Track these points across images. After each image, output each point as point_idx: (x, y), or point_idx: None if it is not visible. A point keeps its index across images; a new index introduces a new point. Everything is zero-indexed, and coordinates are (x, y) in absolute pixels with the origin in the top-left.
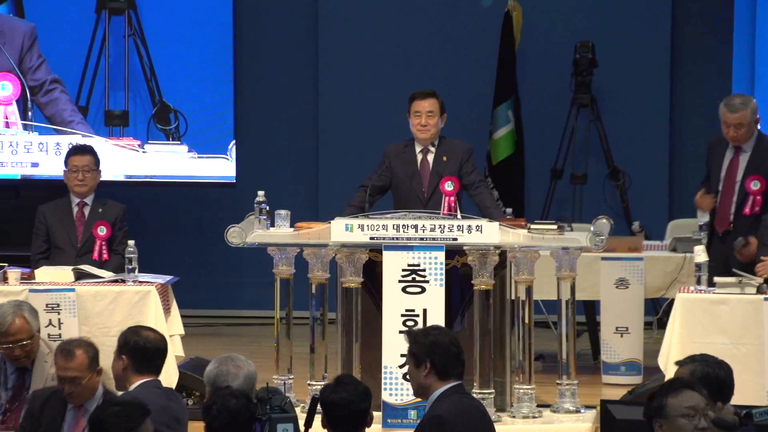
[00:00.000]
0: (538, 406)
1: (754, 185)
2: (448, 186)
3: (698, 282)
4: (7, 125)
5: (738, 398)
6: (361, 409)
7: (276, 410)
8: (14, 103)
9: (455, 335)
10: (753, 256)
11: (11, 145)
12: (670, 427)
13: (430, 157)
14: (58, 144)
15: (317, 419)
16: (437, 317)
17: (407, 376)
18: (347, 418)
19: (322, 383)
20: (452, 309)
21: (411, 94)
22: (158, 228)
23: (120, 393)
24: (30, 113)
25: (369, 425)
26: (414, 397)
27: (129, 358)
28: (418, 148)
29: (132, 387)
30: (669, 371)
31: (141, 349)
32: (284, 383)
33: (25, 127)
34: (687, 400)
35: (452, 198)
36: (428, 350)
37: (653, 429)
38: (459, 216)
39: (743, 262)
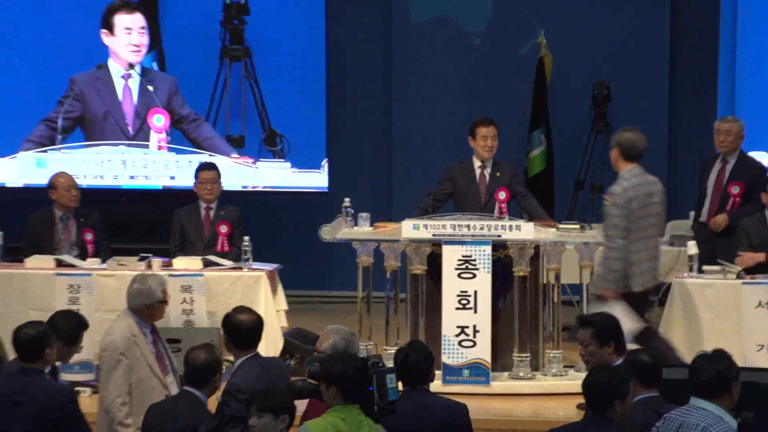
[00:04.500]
0: (565, 366)
1: (735, 189)
2: (501, 195)
3: (690, 270)
4: (159, 149)
5: None
6: (425, 368)
7: (377, 367)
8: (164, 132)
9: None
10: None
11: (155, 162)
12: None
13: (487, 173)
14: (190, 162)
15: None
16: (485, 298)
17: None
18: (419, 374)
19: (396, 349)
20: (497, 291)
21: (475, 121)
22: (268, 227)
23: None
24: (169, 138)
25: (432, 381)
26: (467, 359)
27: (226, 336)
28: (476, 164)
29: (236, 362)
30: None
31: (234, 330)
32: (366, 348)
33: (164, 147)
34: None
35: (504, 204)
36: (614, 332)
37: None
38: (507, 218)
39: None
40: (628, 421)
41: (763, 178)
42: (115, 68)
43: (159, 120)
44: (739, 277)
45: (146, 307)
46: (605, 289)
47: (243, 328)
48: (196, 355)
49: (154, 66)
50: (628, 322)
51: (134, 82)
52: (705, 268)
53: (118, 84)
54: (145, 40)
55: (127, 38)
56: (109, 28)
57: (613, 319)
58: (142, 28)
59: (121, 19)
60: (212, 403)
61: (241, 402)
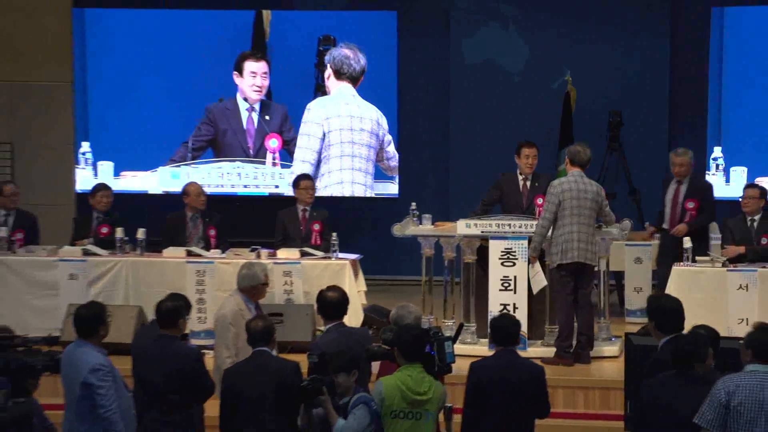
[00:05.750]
0: None
1: (690, 204)
2: (539, 201)
3: (686, 259)
4: (274, 164)
5: None
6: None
7: (437, 335)
8: (277, 153)
9: (674, 299)
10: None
11: (263, 175)
12: None
13: (528, 183)
14: (291, 172)
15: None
16: (523, 281)
17: None
18: (509, 336)
19: (452, 321)
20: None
21: (520, 143)
22: (351, 225)
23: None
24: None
25: (518, 344)
26: None
27: (318, 308)
28: (520, 177)
29: (324, 328)
30: None
31: (323, 303)
32: (428, 321)
33: (277, 164)
34: None
35: (541, 208)
36: (652, 311)
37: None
38: None
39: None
40: (653, 360)
41: (711, 195)
42: (242, 102)
43: (274, 143)
44: (724, 265)
45: (252, 287)
46: (530, 254)
47: (329, 301)
48: (256, 324)
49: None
50: (540, 279)
51: (255, 114)
52: (697, 258)
53: (244, 114)
54: (266, 83)
55: (252, 80)
56: (240, 71)
57: (654, 302)
58: (265, 73)
59: (250, 65)
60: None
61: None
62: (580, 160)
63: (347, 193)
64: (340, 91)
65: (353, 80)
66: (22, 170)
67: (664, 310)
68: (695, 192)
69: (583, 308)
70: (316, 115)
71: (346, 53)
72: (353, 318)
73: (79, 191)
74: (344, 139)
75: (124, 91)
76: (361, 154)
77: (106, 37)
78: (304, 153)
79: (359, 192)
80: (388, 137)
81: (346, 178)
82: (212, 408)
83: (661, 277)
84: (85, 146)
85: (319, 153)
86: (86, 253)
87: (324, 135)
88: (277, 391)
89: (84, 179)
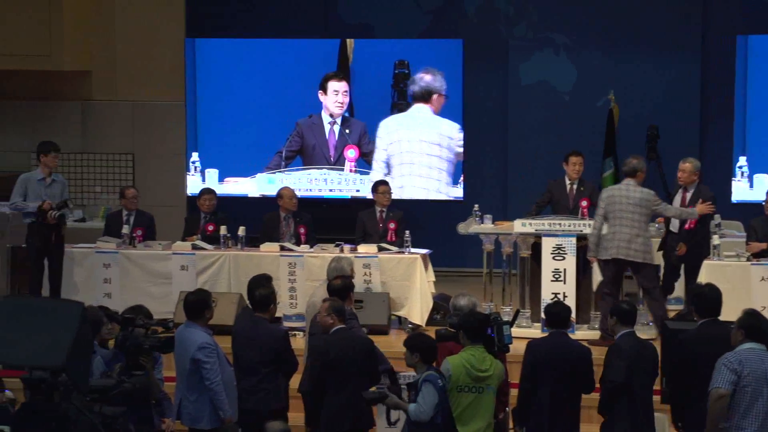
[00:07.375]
0: None
1: None
2: (584, 203)
3: (715, 255)
4: (351, 171)
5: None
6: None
7: (496, 320)
8: (354, 161)
9: (714, 288)
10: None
11: (345, 180)
12: None
13: (574, 188)
14: (370, 180)
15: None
16: (571, 273)
17: None
18: (561, 320)
19: (509, 308)
20: (579, 269)
21: (568, 152)
22: (423, 224)
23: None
24: (354, 164)
25: (568, 327)
26: None
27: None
28: (567, 182)
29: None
30: None
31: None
32: (489, 307)
33: (353, 171)
34: None
35: (585, 210)
36: (695, 297)
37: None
38: (587, 219)
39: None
40: (617, 348)
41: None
42: (325, 117)
43: (351, 153)
44: (748, 260)
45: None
46: (588, 255)
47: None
48: (340, 305)
49: (346, 114)
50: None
51: (337, 127)
52: (724, 253)
53: (327, 128)
54: (346, 100)
55: (334, 98)
56: (324, 89)
57: (698, 290)
58: (345, 91)
59: (333, 85)
60: None
61: None
62: (627, 170)
63: (407, 196)
64: (413, 108)
65: (425, 100)
66: (141, 176)
67: (705, 298)
68: (696, 200)
69: (655, 301)
70: (383, 130)
71: (427, 77)
72: (424, 305)
73: (190, 194)
74: (403, 149)
75: (227, 108)
76: (422, 162)
77: (213, 63)
78: (378, 163)
79: (421, 195)
80: (458, 149)
81: (406, 182)
82: (294, 380)
83: (676, 266)
84: (195, 156)
85: (388, 162)
86: (195, 247)
87: (387, 146)
88: (363, 359)
89: (193, 184)
